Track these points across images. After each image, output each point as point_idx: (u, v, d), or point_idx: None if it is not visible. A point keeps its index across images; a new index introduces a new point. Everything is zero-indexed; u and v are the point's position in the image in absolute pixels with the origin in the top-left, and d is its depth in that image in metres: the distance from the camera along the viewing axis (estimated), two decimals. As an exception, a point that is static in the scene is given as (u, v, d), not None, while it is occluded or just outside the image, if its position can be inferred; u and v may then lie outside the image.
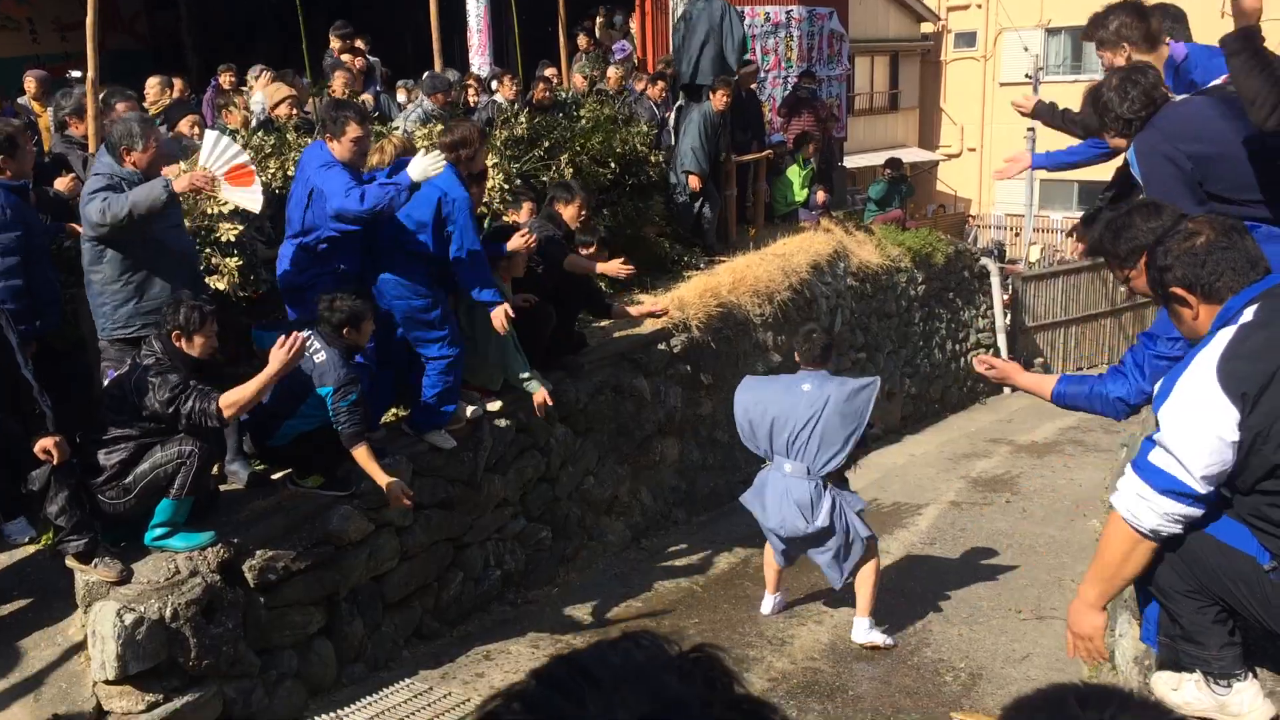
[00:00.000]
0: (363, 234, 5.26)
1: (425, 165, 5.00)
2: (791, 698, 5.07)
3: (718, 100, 9.32)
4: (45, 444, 4.25)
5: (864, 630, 5.62)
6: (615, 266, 6.42)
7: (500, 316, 5.40)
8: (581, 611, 6.10)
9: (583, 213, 6.60)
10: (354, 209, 4.95)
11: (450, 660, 5.45)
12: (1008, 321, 13.64)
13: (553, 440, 6.71)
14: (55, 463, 4.27)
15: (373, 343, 5.33)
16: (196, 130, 6.20)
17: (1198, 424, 2.45)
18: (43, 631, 4.50)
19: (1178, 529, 2.54)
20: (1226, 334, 2.49)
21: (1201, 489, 2.47)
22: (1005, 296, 13.67)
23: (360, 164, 5.29)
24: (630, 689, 0.75)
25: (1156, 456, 2.52)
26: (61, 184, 5.37)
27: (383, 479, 4.85)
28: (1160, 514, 2.52)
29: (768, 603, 6.06)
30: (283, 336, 4.41)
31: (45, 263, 5.00)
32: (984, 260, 13.60)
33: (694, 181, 9.20)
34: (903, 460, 10.05)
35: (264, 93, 7.68)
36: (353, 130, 5.14)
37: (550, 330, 6.41)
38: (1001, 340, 13.48)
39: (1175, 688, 2.81)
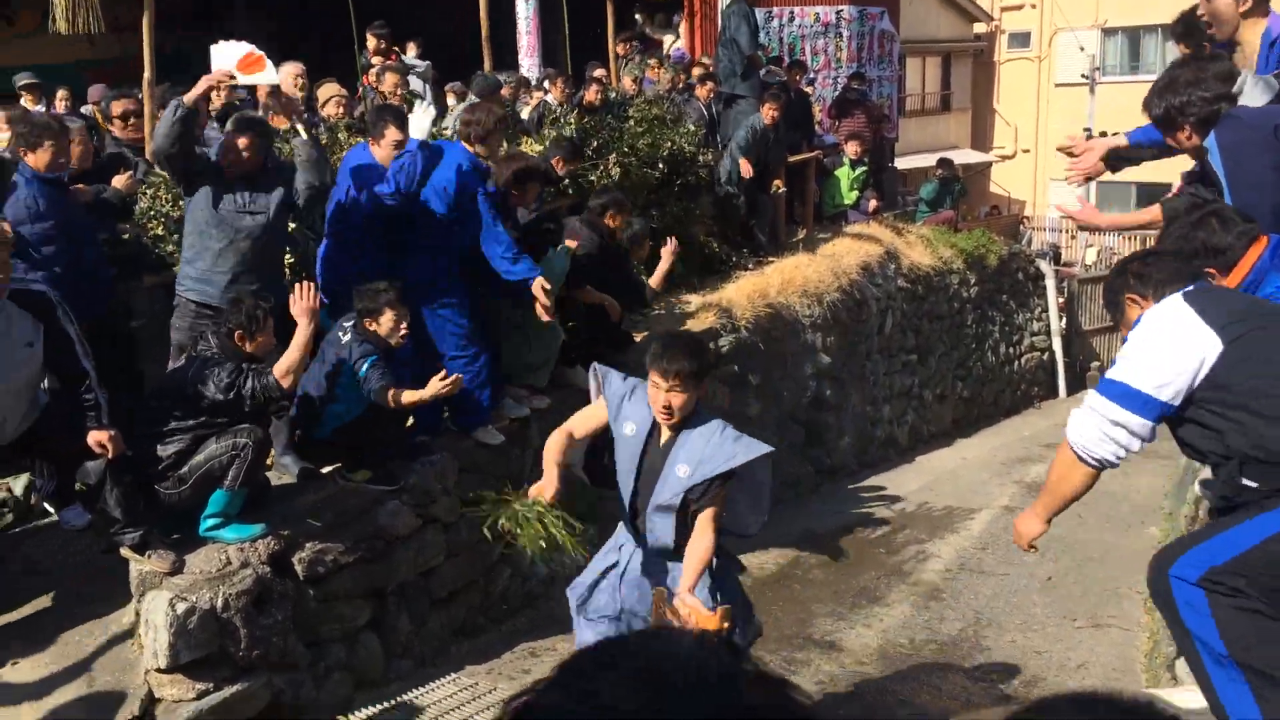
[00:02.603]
0: (393, 231, 5.34)
1: (418, 119, 5.14)
2: (840, 702, 5.00)
3: (766, 114, 9.25)
4: (100, 438, 4.31)
5: None
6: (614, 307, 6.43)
7: (539, 289, 5.38)
8: (627, 611, 6.06)
9: (619, 225, 6.67)
10: (383, 191, 5.13)
11: (496, 656, 5.45)
12: (1063, 325, 13.40)
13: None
14: (110, 456, 4.34)
15: (409, 344, 5.34)
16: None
17: (1159, 342, 2.65)
18: (97, 620, 4.57)
19: (1118, 449, 2.67)
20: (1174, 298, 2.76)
21: (1155, 394, 2.60)
22: (1060, 299, 13.44)
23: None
24: (666, 653, 0.75)
25: (1110, 373, 2.73)
26: (119, 181, 5.47)
27: (425, 393, 4.85)
28: (1101, 423, 2.66)
29: None
30: (293, 293, 4.55)
31: (90, 254, 5.09)
32: (1038, 262, 13.37)
33: (745, 167, 9.05)
34: (954, 464, 9.90)
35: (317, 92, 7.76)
36: (392, 134, 5.25)
37: (585, 323, 6.41)
38: (1057, 344, 13.25)
39: None
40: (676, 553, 3.57)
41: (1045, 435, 11.06)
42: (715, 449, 3.39)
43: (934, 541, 7.35)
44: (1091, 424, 2.69)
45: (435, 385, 4.81)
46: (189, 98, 4.77)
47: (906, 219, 12.08)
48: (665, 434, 3.48)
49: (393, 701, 4.84)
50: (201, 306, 5.01)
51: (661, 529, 3.54)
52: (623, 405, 3.54)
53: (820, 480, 8.87)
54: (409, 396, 4.88)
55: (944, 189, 13.19)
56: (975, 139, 24.87)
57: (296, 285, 4.60)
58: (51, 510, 5.19)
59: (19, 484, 5.23)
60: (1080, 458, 2.73)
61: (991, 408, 12.10)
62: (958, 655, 5.48)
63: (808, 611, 6.04)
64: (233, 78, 5.18)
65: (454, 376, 4.87)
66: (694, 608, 3.32)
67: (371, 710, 4.76)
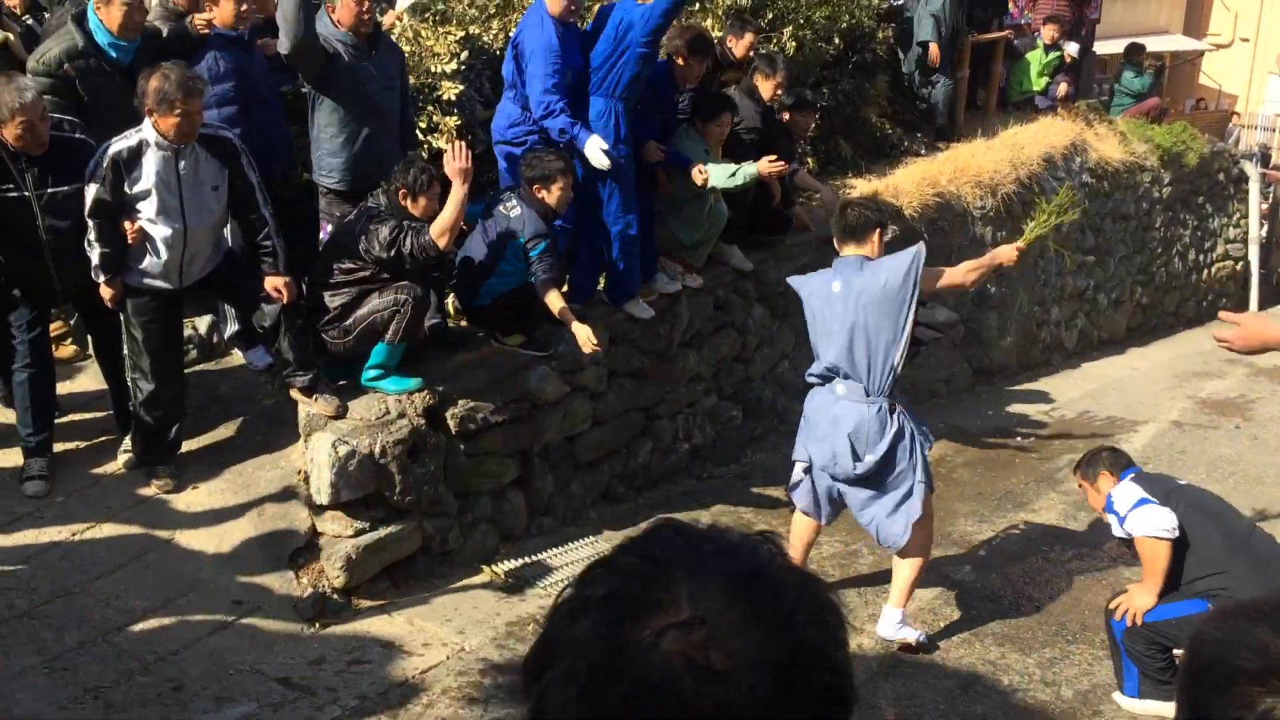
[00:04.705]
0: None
1: (598, 155, 5.05)
2: (972, 601, 4.94)
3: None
4: (275, 283, 4.56)
5: (894, 624, 4.50)
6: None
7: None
8: (765, 492, 6.11)
9: (779, 90, 6.41)
10: (535, 110, 5.07)
11: (633, 525, 5.59)
12: (1264, 233, 12.38)
13: (750, 320, 6.65)
14: (284, 302, 4.58)
15: (571, 212, 5.34)
16: None
17: None
18: (268, 455, 4.92)
19: None
20: None
21: None
22: (1264, 205, 12.37)
23: (572, 15, 5.18)
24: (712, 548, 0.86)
25: None
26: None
27: (573, 324, 4.95)
28: None
29: None
30: (448, 152, 4.62)
31: (270, 111, 5.24)
32: (1243, 164, 12.30)
33: (933, 51, 8.63)
34: (1122, 373, 9.43)
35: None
36: None
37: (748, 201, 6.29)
38: (1254, 253, 12.27)
39: None
40: None
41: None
42: None
43: (1092, 451, 7.06)
44: None
45: (587, 337, 4.88)
46: None
47: (1100, 109, 11.25)
48: None
49: (533, 558, 5.07)
50: (342, 194, 5.08)
51: None
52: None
53: (975, 379, 8.61)
54: (561, 308, 4.94)
55: (1142, 77, 12.19)
56: (1188, 24, 22.74)
57: (450, 145, 4.65)
58: (239, 351, 5.55)
59: (203, 324, 5.61)
60: None
61: (1172, 317, 11.39)
62: (1099, 566, 5.32)
63: (949, 510, 5.95)
64: None
65: (596, 350, 4.95)
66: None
67: (512, 564, 4.99)
